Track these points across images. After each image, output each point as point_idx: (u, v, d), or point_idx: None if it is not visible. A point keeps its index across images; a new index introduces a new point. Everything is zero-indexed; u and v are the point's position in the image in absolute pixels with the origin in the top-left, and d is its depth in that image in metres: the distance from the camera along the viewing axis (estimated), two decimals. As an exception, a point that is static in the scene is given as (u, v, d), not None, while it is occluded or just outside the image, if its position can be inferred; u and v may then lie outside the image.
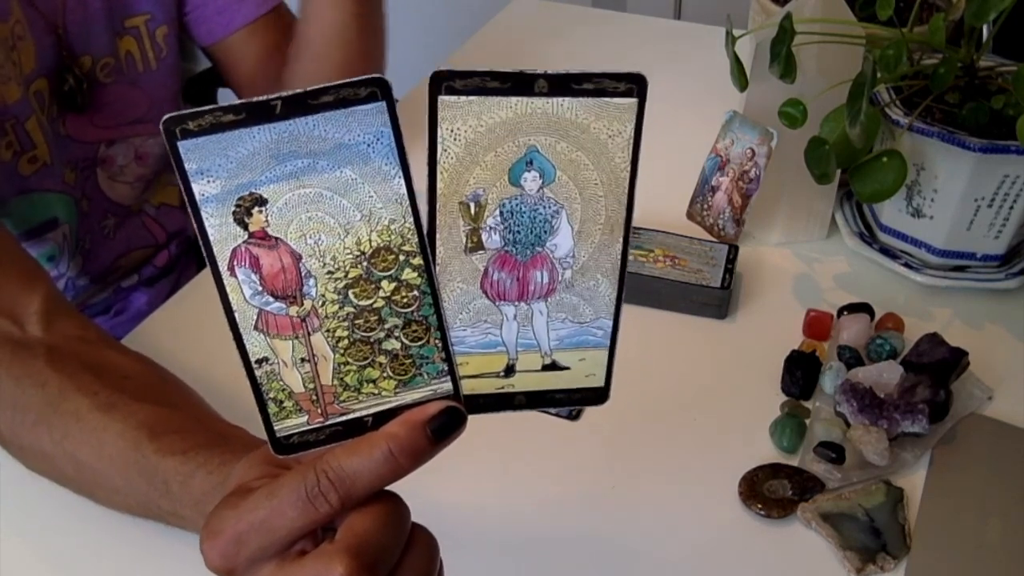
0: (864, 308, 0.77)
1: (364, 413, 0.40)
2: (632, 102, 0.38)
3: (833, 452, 0.65)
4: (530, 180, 0.39)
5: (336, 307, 0.39)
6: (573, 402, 0.43)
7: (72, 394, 0.58)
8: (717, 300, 0.79)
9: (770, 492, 0.64)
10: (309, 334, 0.39)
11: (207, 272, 0.96)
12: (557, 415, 0.70)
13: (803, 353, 0.73)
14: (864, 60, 0.77)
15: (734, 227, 0.85)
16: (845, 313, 0.77)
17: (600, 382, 0.43)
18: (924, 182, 0.78)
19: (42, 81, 0.83)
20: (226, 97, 1.20)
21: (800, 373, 0.71)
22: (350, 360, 0.40)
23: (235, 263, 0.38)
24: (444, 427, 0.39)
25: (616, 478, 0.67)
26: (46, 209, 0.86)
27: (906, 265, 0.82)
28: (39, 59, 0.82)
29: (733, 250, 0.82)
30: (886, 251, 0.83)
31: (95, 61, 0.87)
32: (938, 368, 0.70)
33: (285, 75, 0.96)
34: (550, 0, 1.37)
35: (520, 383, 0.42)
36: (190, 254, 1.09)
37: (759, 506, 0.63)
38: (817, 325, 0.76)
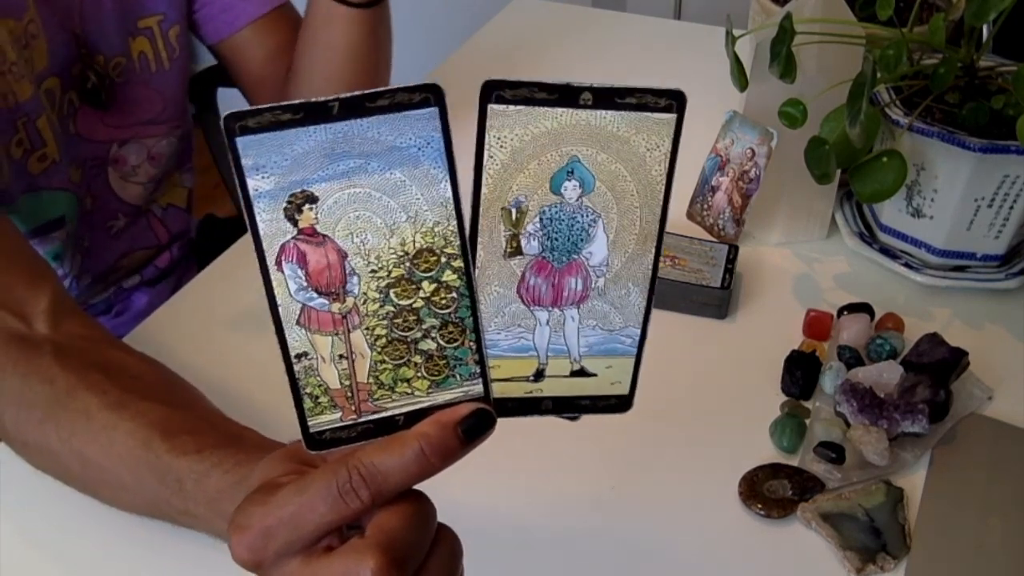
0: (864, 308, 0.77)
1: (396, 412, 0.41)
2: (671, 117, 0.39)
3: (833, 452, 0.65)
4: (570, 189, 0.40)
5: (377, 305, 0.40)
6: (598, 409, 0.44)
7: (81, 392, 0.58)
8: (717, 300, 0.79)
9: (770, 492, 0.64)
10: (349, 331, 0.40)
11: (207, 272, 0.95)
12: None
13: (803, 353, 0.73)
14: (864, 60, 0.77)
15: (734, 227, 0.85)
16: (845, 313, 0.77)
17: (625, 390, 0.44)
18: (924, 182, 0.78)
19: (53, 80, 0.82)
20: (226, 97, 1.20)
21: (800, 373, 0.72)
22: (386, 358, 0.41)
23: (283, 258, 0.38)
24: (474, 428, 0.40)
25: (616, 478, 0.67)
26: (54, 207, 0.86)
27: (906, 265, 0.82)
28: (51, 57, 0.81)
29: (733, 250, 0.82)
30: (886, 251, 0.83)
31: (108, 61, 0.87)
32: (938, 368, 0.70)
33: (290, 93, 0.95)
34: (550, 0, 1.37)
35: (548, 388, 0.43)
36: (191, 256, 1.08)
37: (759, 506, 0.63)
38: (817, 325, 0.76)
